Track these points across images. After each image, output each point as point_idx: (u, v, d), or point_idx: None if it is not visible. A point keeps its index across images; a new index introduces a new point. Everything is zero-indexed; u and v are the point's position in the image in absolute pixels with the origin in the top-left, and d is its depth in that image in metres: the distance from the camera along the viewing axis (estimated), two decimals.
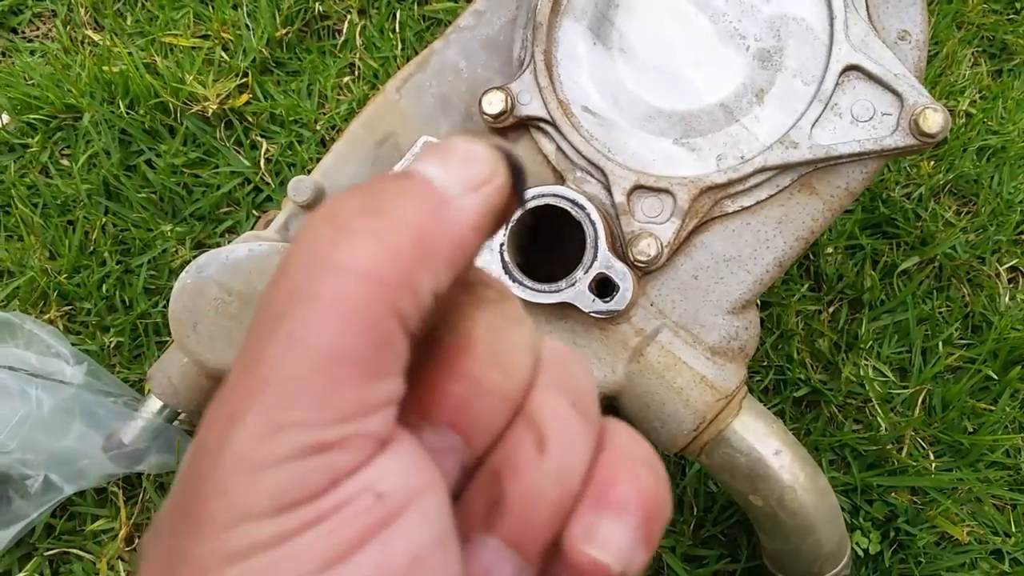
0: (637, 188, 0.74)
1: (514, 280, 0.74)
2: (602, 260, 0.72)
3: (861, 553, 0.88)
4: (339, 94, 1.09)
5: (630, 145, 0.76)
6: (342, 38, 1.12)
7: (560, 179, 0.77)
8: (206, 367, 0.82)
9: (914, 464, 0.91)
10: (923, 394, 0.94)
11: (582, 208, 0.73)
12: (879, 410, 0.93)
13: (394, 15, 1.11)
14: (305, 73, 1.09)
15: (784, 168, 0.73)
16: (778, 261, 0.75)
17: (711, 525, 0.90)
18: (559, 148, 0.77)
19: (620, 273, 0.72)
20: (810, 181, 0.74)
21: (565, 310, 0.75)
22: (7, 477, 0.89)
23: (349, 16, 1.12)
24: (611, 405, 0.78)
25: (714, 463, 0.76)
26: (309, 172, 0.84)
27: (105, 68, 1.08)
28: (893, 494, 0.91)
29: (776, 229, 0.75)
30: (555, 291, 0.73)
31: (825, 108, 0.72)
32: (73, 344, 0.92)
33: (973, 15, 1.10)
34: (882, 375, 0.96)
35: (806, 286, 0.98)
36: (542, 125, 0.77)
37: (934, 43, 1.08)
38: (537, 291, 0.73)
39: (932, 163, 1.04)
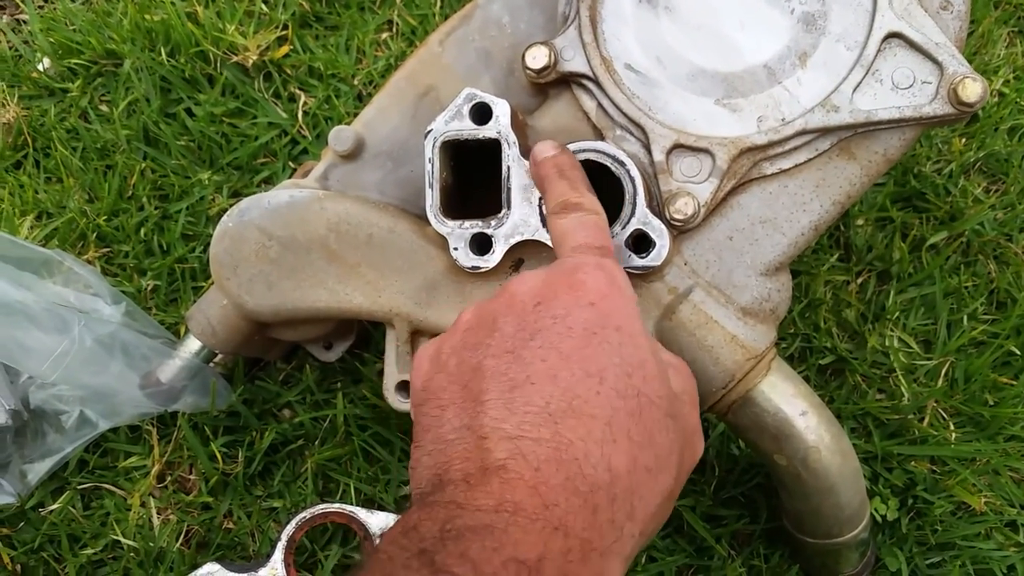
0: (676, 147, 0.75)
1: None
2: (640, 216, 0.73)
3: (879, 519, 0.90)
4: (377, 50, 1.10)
5: (671, 104, 0.77)
6: None
7: (599, 136, 0.78)
8: (244, 309, 0.83)
9: (934, 434, 0.92)
10: (946, 366, 0.96)
11: (622, 164, 0.74)
12: (902, 380, 0.94)
13: None
14: (344, 28, 1.10)
15: (824, 132, 0.74)
16: (814, 225, 0.76)
17: (732, 487, 0.92)
18: (600, 105, 0.78)
19: (657, 229, 0.73)
20: (849, 146, 0.75)
21: None
22: (42, 412, 0.92)
23: None
24: None
25: (741, 422, 0.77)
26: (350, 123, 0.85)
27: (147, 16, 1.09)
28: (913, 463, 0.92)
29: (813, 192, 0.76)
30: None
31: (867, 74, 0.73)
32: (111, 285, 0.94)
33: None
34: (907, 346, 0.97)
35: (836, 256, 0.99)
36: (584, 82, 0.78)
37: (971, 22, 1.08)
38: None
39: (963, 140, 1.05)
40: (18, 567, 0.90)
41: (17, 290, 0.83)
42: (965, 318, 0.97)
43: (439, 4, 1.11)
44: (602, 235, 0.66)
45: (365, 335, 0.97)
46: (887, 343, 0.96)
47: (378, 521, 0.87)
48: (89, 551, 0.90)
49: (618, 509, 0.48)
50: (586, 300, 0.56)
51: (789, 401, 0.76)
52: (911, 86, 0.73)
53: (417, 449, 0.53)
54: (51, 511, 0.91)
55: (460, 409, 0.52)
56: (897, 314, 0.97)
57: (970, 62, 1.02)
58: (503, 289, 0.59)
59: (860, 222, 1.01)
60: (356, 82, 1.08)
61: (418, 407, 0.56)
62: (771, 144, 0.74)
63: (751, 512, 0.92)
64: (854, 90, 0.73)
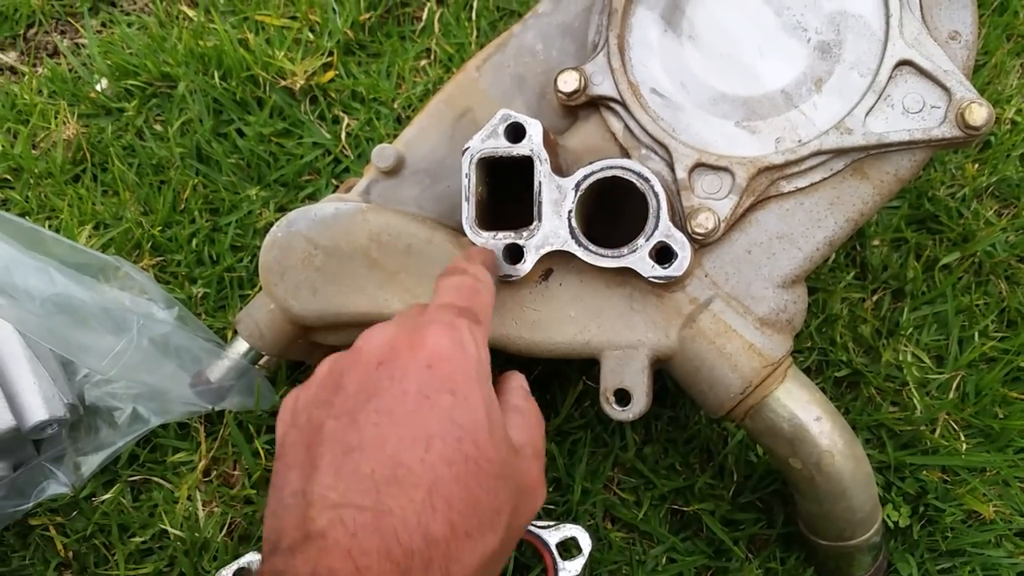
0: (698, 166, 0.80)
1: (579, 244, 0.79)
2: (663, 229, 0.78)
3: (891, 526, 0.93)
4: (415, 76, 1.16)
5: (694, 126, 0.82)
6: (420, 24, 1.19)
7: (625, 155, 0.83)
8: (290, 313, 0.89)
9: (946, 445, 0.96)
10: (958, 380, 0.99)
11: (647, 180, 0.79)
12: (915, 393, 0.98)
13: (470, 5, 1.18)
14: (385, 55, 1.17)
15: (838, 153, 0.79)
16: (828, 240, 0.81)
17: (750, 492, 0.96)
18: (626, 126, 0.83)
19: (679, 242, 0.78)
20: (862, 166, 0.80)
21: (625, 276, 0.81)
22: (96, 407, 0.97)
23: (428, 4, 1.19)
24: (662, 368, 0.84)
25: (757, 427, 0.81)
26: (390, 143, 0.91)
27: (200, 41, 1.16)
28: (924, 472, 0.96)
29: (828, 210, 0.80)
30: (617, 256, 0.79)
31: (879, 99, 0.78)
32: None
33: (1023, 27, 1.16)
34: (920, 361, 1.01)
35: (852, 274, 1.04)
36: (612, 104, 0.83)
37: (983, 53, 1.13)
38: (601, 255, 0.79)
39: (976, 165, 1.09)
40: (70, 554, 0.95)
41: (84, 293, 0.88)
42: (976, 335, 1.01)
43: (475, 33, 1.17)
44: (473, 298, 0.67)
45: None
46: (901, 358, 1.00)
47: None
48: (138, 540, 0.95)
49: (432, 574, 0.50)
50: (424, 361, 0.57)
51: (804, 407, 0.80)
52: (921, 110, 0.78)
53: (266, 509, 0.55)
54: (102, 501, 0.97)
55: (300, 472, 0.54)
56: (911, 330, 1.01)
57: (983, 91, 1.08)
58: (356, 343, 0.61)
59: (876, 242, 1.05)
60: (396, 105, 1.14)
61: (276, 460, 0.58)
62: (788, 164, 0.79)
63: (768, 517, 0.95)
64: (867, 114, 0.78)
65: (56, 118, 1.17)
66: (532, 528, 0.90)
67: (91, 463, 0.96)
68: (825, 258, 0.82)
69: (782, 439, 0.80)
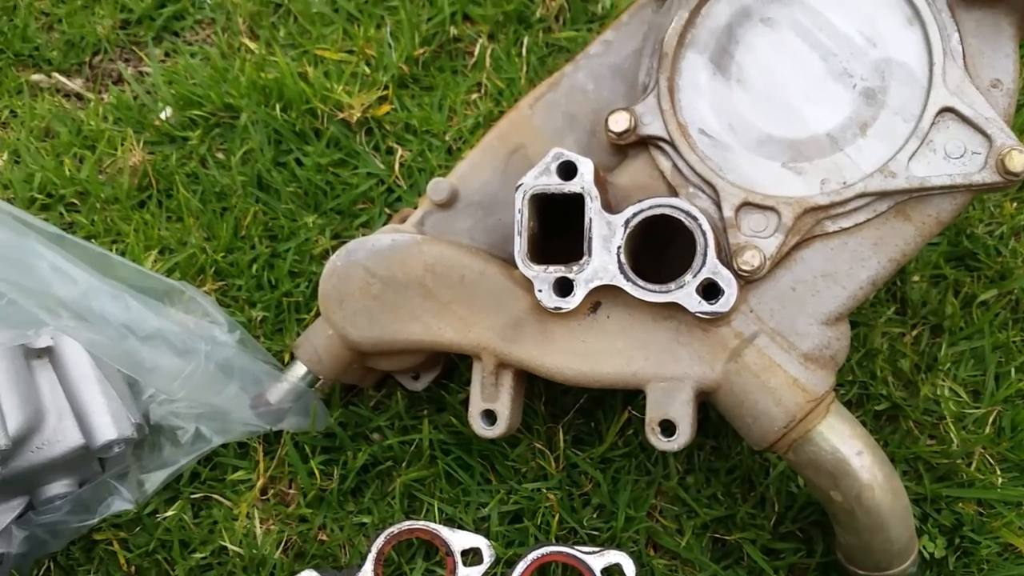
0: (745, 205, 0.83)
1: (628, 279, 0.82)
2: (710, 266, 0.81)
3: (928, 557, 0.95)
4: (467, 109, 1.20)
5: (741, 166, 0.85)
6: (472, 59, 1.23)
7: (673, 193, 0.86)
8: (348, 339, 0.93)
9: (982, 478, 0.98)
10: (994, 415, 1.01)
11: (694, 219, 0.82)
12: (952, 427, 1.00)
13: (521, 40, 1.22)
14: (438, 89, 1.21)
15: (882, 195, 0.81)
16: (872, 279, 0.83)
17: (790, 522, 0.98)
18: (675, 165, 0.86)
19: (725, 279, 0.81)
20: (904, 208, 0.82)
21: (671, 310, 0.84)
22: (160, 427, 1.01)
23: (480, 39, 1.23)
24: (707, 401, 0.87)
25: (800, 460, 0.83)
26: (444, 175, 0.95)
27: (262, 74, 1.21)
28: (960, 505, 0.97)
29: (872, 250, 0.83)
30: (665, 291, 0.82)
31: (921, 144, 0.81)
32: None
33: None
34: (957, 395, 1.03)
35: (892, 309, 1.06)
36: (661, 144, 0.86)
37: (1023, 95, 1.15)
38: (648, 290, 0.82)
39: (1015, 204, 1.11)
40: (133, 568, 0.99)
41: (154, 317, 0.93)
42: (1013, 370, 1.03)
43: (524, 68, 1.21)
44: None
45: (450, 367, 1.05)
46: (939, 392, 1.02)
47: (459, 539, 0.95)
48: (198, 556, 0.99)
49: None
50: None
51: (846, 441, 0.82)
52: (962, 156, 0.80)
53: None
54: (164, 518, 1.01)
55: None
56: (948, 365, 1.03)
57: (1022, 131, 1.09)
58: None
59: (916, 278, 1.07)
60: (447, 138, 1.18)
61: None
62: (833, 205, 0.82)
63: (807, 546, 0.97)
64: (910, 158, 0.81)
65: (123, 145, 1.22)
66: (577, 553, 0.92)
67: (154, 480, 1.00)
68: (868, 296, 0.84)
69: (824, 472, 0.82)
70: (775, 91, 0.85)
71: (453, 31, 1.24)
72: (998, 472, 0.99)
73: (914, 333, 1.06)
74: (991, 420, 1.01)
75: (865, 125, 0.83)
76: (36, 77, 1.33)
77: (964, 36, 0.81)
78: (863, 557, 0.87)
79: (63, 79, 1.33)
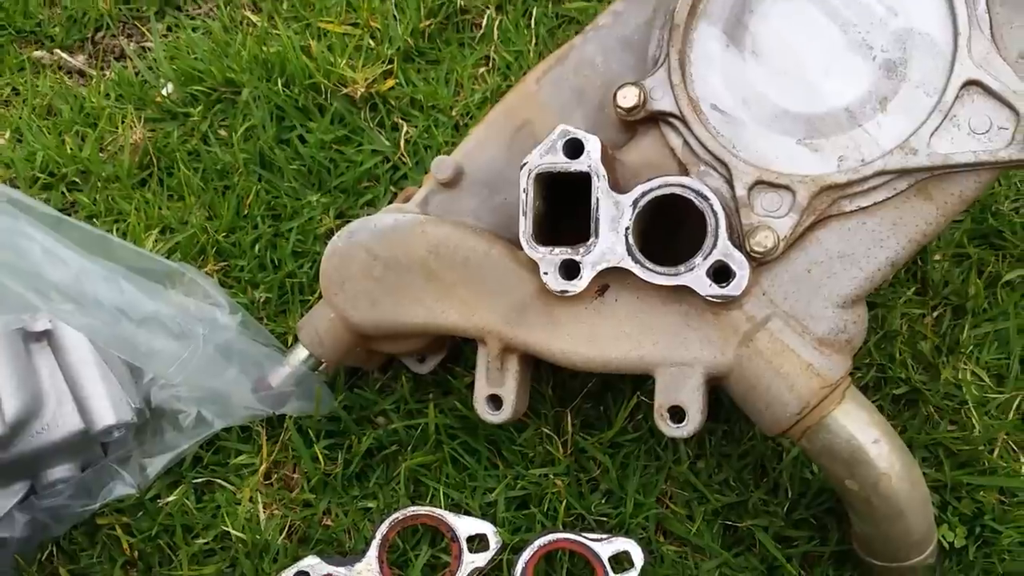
0: (758, 183, 0.80)
1: (636, 261, 0.80)
2: (721, 248, 0.78)
3: (947, 546, 0.92)
4: (474, 83, 1.17)
5: (754, 143, 0.81)
6: (480, 31, 1.20)
7: (684, 171, 0.83)
8: (349, 322, 0.91)
9: (1004, 466, 0.95)
10: (1018, 400, 0.98)
11: (705, 198, 0.79)
12: (974, 413, 0.97)
13: (529, 12, 1.19)
14: (444, 62, 1.18)
15: (902, 173, 0.78)
16: (890, 261, 0.80)
17: (804, 509, 0.95)
18: (686, 142, 0.83)
19: (737, 261, 0.78)
20: (926, 187, 0.79)
21: (681, 293, 0.81)
22: (162, 411, 1.00)
23: (487, 11, 1.20)
24: (718, 387, 0.84)
25: (814, 447, 0.81)
26: (448, 153, 0.92)
27: (264, 48, 1.18)
28: (982, 493, 0.94)
29: (891, 230, 0.79)
30: (674, 274, 0.79)
31: (944, 119, 0.77)
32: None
33: None
34: (980, 380, 0.99)
35: (912, 290, 1.02)
36: (671, 120, 0.83)
37: None
38: (657, 273, 0.79)
39: None
40: (135, 553, 0.98)
41: (150, 300, 0.91)
42: None
43: (533, 41, 1.17)
44: None
45: (456, 350, 1.03)
46: (960, 376, 0.99)
47: (465, 525, 0.93)
48: (201, 541, 0.98)
49: None
50: None
51: (862, 429, 0.79)
52: (988, 131, 0.76)
53: None
54: (167, 503, 1.00)
55: None
56: (971, 348, 1.00)
57: None
58: None
59: (937, 257, 1.04)
60: (454, 113, 1.15)
61: None
62: (850, 183, 0.78)
63: (821, 534, 0.95)
64: (932, 134, 0.77)
65: (123, 122, 1.20)
66: (585, 540, 0.90)
67: (156, 465, 0.99)
68: (887, 278, 0.81)
69: (839, 460, 0.80)
70: (791, 64, 0.81)
71: (460, 2, 1.21)
72: (1022, 460, 0.96)
73: (935, 314, 1.03)
74: (1015, 406, 0.98)
75: (885, 99, 0.79)
76: (38, 54, 1.31)
77: (991, 4, 0.77)
78: (880, 547, 0.85)
79: (65, 56, 1.31)
